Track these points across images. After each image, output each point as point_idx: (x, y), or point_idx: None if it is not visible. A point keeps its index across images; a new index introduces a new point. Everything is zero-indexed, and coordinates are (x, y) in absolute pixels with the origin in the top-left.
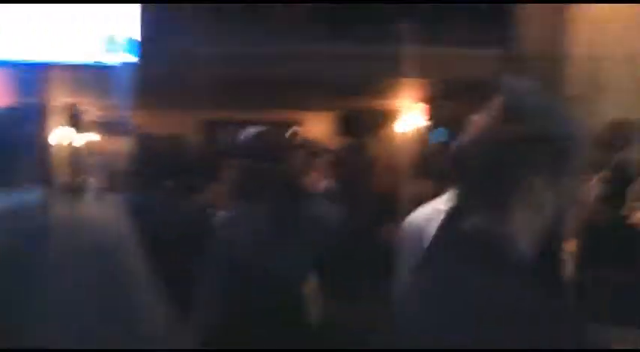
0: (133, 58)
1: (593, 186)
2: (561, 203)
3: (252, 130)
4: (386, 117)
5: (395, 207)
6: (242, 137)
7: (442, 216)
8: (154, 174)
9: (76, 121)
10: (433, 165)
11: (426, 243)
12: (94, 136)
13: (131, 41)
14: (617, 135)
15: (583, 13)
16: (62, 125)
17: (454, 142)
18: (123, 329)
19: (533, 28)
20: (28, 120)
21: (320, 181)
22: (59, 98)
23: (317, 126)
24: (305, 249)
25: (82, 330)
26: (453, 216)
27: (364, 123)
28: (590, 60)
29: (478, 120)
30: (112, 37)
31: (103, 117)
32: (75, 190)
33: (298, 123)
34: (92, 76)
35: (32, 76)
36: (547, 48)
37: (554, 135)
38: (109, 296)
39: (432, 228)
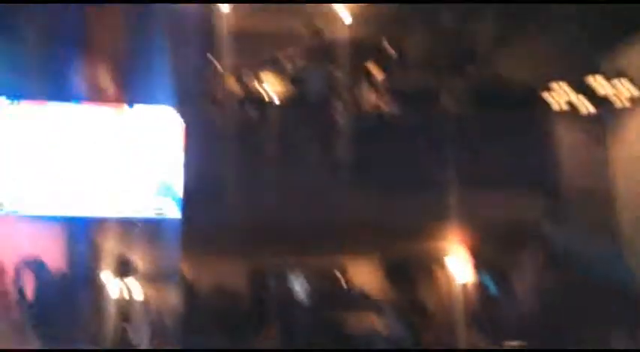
0: (179, 211)
1: None
2: None
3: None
4: (433, 261)
5: None
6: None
7: None
8: (203, 324)
9: (127, 272)
10: (485, 321)
11: None
12: (143, 287)
13: (177, 194)
14: None
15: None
16: (114, 277)
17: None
18: None
19: (574, 168)
20: (78, 281)
21: None
22: (110, 251)
23: (363, 272)
24: None
25: None
26: None
27: (411, 269)
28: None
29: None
30: (160, 190)
31: (152, 268)
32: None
33: (345, 268)
34: (141, 228)
35: (84, 230)
36: (593, 189)
37: (604, 282)
38: None
39: None
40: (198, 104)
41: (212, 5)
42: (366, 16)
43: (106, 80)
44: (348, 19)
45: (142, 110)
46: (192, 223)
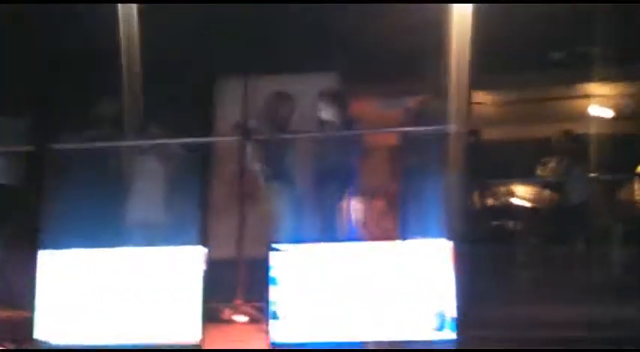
0: (453, 334)
1: None
2: None
3: None
4: None
5: None
6: None
7: None
8: None
9: None
10: None
11: None
12: None
13: (450, 317)
14: None
15: None
16: None
17: None
18: None
19: None
20: None
21: None
22: None
23: None
24: None
25: None
26: None
27: None
28: None
29: None
30: (437, 315)
31: None
32: None
33: None
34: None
35: None
36: None
37: None
38: None
39: None
40: (466, 233)
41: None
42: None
43: (380, 216)
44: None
45: (415, 244)
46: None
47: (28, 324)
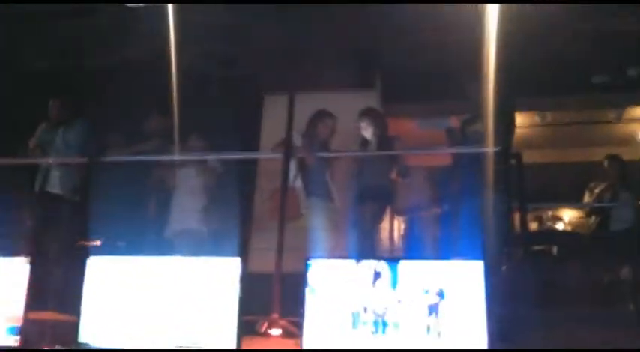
0: None
1: None
2: None
3: None
4: None
5: None
6: None
7: None
8: None
9: None
10: None
11: None
12: None
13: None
14: None
15: None
16: None
17: None
18: None
19: None
20: None
21: None
22: None
23: None
24: None
25: None
26: None
27: None
28: None
29: None
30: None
31: None
32: None
33: None
34: None
35: None
36: None
37: None
38: None
39: None
40: (506, 257)
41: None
42: None
43: (418, 235)
44: None
45: (452, 265)
46: None
47: (75, 327)
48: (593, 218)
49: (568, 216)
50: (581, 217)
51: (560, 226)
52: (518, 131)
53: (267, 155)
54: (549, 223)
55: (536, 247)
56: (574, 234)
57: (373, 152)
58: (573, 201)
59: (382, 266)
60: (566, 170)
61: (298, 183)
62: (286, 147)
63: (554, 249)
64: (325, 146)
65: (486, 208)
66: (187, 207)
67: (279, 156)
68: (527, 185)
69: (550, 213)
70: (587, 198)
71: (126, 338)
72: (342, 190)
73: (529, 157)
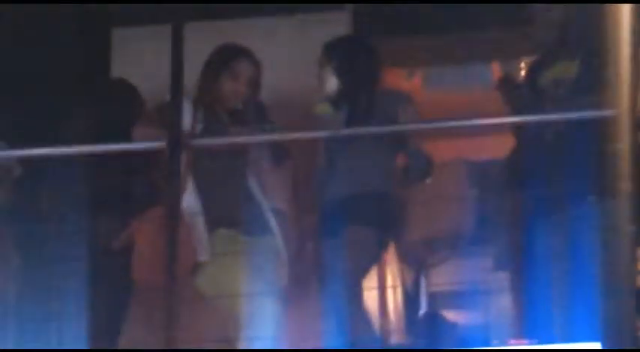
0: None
1: None
2: None
3: None
4: None
5: None
6: None
7: None
8: None
9: None
10: None
11: None
12: None
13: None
14: None
15: None
16: None
17: None
18: None
19: None
20: None
21: None
22: None
23: None
24: None
25: None
26: None
27: None
28: None
29: None
30: None
31: None
32: None
33: None
34: None
35: None
36: None
37: None
38: None
39: None
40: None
41: None
42: None
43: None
44: None
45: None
46: None
47: None
48: None
49: None
50: None
51: None
52: None
53: (121, 146)
54: None
55: None
56: None
57: (352, 129)
58: None
59: None
60: None
61: (191, 202)
62: (170, 126)
63: None
64: (244, 120)
65: (603, 244)
66: None
67: (152, 146)
68: None
69: None
70: None
71: None
72: (291, 212)
73: None
